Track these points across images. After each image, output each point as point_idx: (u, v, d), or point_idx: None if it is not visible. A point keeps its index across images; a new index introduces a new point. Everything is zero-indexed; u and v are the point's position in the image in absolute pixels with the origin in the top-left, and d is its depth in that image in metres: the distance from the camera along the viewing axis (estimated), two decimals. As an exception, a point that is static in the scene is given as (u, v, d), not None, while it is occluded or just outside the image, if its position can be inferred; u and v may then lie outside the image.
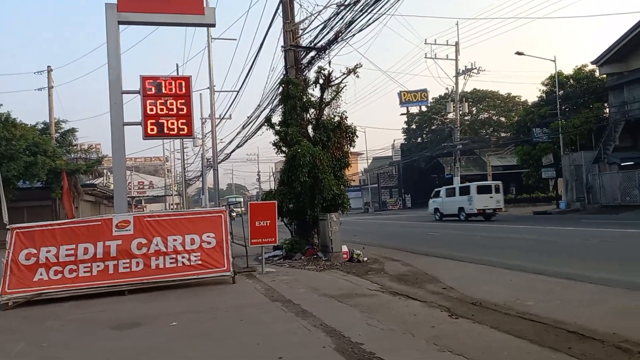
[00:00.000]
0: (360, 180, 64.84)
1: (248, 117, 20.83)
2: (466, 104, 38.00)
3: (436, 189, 29.25)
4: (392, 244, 14.43)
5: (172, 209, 51.07)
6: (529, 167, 34.45)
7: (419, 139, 55.25)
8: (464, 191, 25.72)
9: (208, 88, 23.09)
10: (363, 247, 12.82)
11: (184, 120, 10.41)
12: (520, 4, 51.20)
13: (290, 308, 6.15)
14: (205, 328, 5.46)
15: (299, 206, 11.38)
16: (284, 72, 12.96)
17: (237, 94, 25.15)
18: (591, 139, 29.09)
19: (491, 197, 24.70)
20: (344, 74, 12.00)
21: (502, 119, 52.23)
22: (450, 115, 39.27)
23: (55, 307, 7.04)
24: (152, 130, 10.29)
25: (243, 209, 34.24)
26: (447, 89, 46.34)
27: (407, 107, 54.76)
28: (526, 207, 36.49)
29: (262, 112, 17.76)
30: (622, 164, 26.41)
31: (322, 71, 12.01)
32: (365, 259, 10.75)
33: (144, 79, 10.28)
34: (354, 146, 12.91)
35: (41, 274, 7.53)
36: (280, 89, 12.60)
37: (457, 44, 33.45)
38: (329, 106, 12.32)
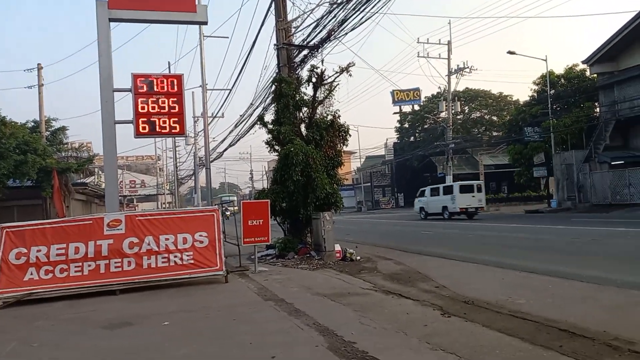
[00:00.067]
0: (353, 179, 64.96)
1: (240, 116, 20.84)
2: (458, 103, 38.11)
3: (421, 189, 29.87)
4: (385, 243, 14.46)
5: (164, 208, 50.85)
6: (521, 166, 34.68)
7: (412, 138, 55.44)
8: (448, 190, 26.58)
9: (200, 86, 23.01)
10: (356, 245, 12.84)
11: (176, 119, 10.37)
12: (511, 3, 51.51)
13: (283, 307, 6.14)
14: (197, 327, 5.43)
15: (291, 205, 11.37)
16: (277, 71, 12.92)
17: (229, 93, 25.16)
18: (582, 138, 29.32)
19: (473, 196, 25.52)
20: (336, 72, 12.01)
21: (494, 118, 52.51)
22: (443, 114, 39.41)
23: (46, 307, 6.98)
24: (143, 128, 10.24)
25: (236, 207, 34.16)
26: (439, 88, 46.54)
27: (400, 106, 54.83)
28: (518, 206, 36.74)
29: (254, 110, 17.75)
30: (612, 163, 26.63)
31: (314, 70, 12.00)
32: (358, 257, 10.76)
33: (135, 76, 10.22)
34: (346, 145, 12.92)
35: (32, 274, 7.47)
36: (273, 87, 12.57)
37: (449, 43, 33.56)
38: (321, 105, 12.32)
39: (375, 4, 11.26)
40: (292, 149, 10.90)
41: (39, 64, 25.60)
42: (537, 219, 23.04)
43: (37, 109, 24.76)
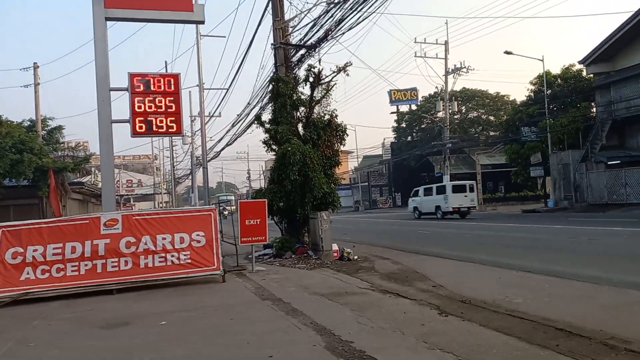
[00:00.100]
0: (351, 179, 64.93)
1: (238, 115, 20.78)
2: (455, 102, 38.23)
3: (415, 189, 30.20)
4: (382, 242, 14.47)
5: (161, 207, 50.75)
6: (518, 166, 34.77)
7: (409, 138, 55.50)
8: (440, 190, 26.98)
9: (197, 85, 22.96)
10: (353, 245, 12.84)
11: (173, 118, 10.31)
12: (508, 3, 51.66)
13: (281, 307, 6.13)
14: (194, 327, 5.42)
15: (289, 204, 11.36)
16: (274, 70, 12.91)
17: (226, 92, 25.09)
18: (579, 138, 29.43)
19: (466, 196, 25.95)
20: (334, 72, 12.00)
21: (491, 117, 52.63)
22: (440, 114, 39.51)
23: (43, 306, 6.96)
24: (140, 128, 10.19)
25: (234, 207, 34.10)
26: (436, 87, 46.69)
27: (397, 106, 54.88)
28: (515, 206, 36.85)
29: (252, 110, 17.70)
30: (609, 163, 26.74)
31: (312, 69, 11.99)
32: (356, 257, 10.76)
33: (132, 76, 10.17)
34: (344, 144, 12.91)
35: (28, 273, 7.44)
36: (270, 86, 12.56)
37: (446, 43, 33.62)
38: (319, 104, 12.31)
39: (373, 4, 11.25)
40: (289, 149, 10.89)
41: (35, 63, 25.53)
42: (534, 218, 23.10)
43: (33, 108, 24.71)
